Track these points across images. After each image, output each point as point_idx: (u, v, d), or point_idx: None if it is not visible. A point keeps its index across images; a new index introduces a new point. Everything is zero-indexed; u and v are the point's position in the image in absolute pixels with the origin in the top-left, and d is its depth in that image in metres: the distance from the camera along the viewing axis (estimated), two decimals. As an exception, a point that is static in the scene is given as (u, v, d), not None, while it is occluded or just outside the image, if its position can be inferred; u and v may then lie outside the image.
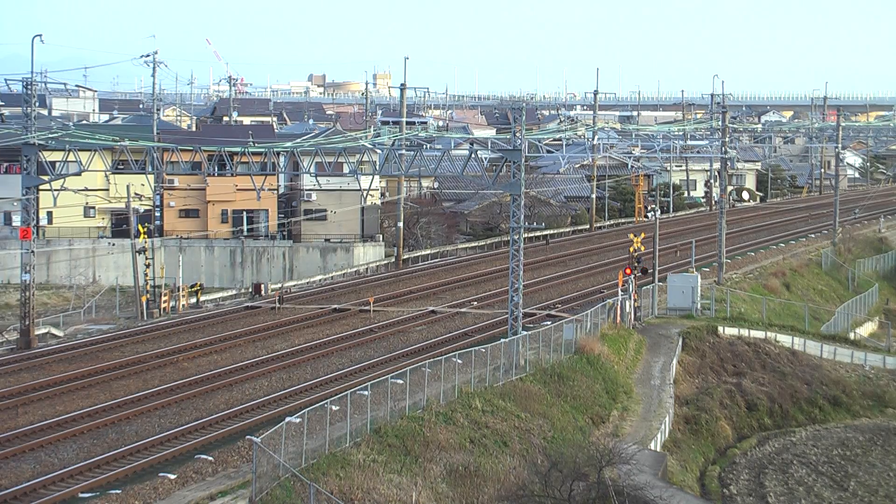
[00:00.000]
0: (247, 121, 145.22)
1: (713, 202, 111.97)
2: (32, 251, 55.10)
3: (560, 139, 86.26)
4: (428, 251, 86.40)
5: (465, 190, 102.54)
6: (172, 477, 32.49)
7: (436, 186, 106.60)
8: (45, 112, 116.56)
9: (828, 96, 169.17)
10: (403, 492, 32.79)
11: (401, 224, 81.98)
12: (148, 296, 63.83)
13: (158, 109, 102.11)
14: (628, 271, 57.40)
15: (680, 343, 56.83)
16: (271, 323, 57.29)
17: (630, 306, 57.45)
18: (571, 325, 50.84)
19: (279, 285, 70.91)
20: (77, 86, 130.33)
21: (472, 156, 56.55)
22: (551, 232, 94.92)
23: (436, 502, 33.65)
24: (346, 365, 48.10)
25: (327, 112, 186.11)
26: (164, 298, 63.98)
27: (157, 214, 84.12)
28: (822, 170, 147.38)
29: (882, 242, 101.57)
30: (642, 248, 58.52)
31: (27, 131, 54.18)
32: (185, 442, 36.04)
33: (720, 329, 59.85)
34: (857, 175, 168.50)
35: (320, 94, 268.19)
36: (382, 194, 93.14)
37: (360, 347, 51.94)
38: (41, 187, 58.62)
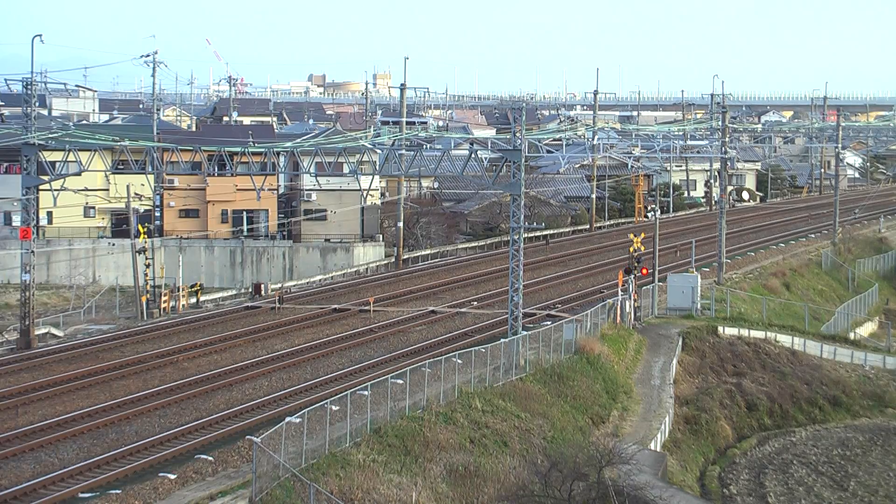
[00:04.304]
0: (247, 121, 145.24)
1: (713, 202, 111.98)
2: (32, 251, 55.10)
3: (560, 139, 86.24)
4: (428, 251, 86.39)
5: (465, 190, 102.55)
6: (172, 477, 32.47)
7: (436, 186, 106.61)
8: (45, 112, 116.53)
9: (828, 96, 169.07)
10: (403, 492, 32.79)
11: (401, 224, 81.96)
12: (148, 296, 63.83)
13: (158, 109, 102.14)
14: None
15: (680, 343, 56.83)
16: (271, 323, 57.28)
17: (630, 306, 57.47)
18: (571, 325, 50.83)
19: (279, 285, 70.90)
20: (77, 86, 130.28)
21: (472, 156, 56.56)
22: (551, 232, 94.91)
23: (436, 502, 33.65)
24: (346, 365, 48.09)
25: (327, 112, 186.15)
26: (164, 298, 63.97)
27: (157, 214, 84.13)
28: (822, 170, 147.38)
29: (882, 242, 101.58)
30: (642, 248, 58.55)
31: (27, 131, 54.17)
32: (185, 442, 36.01)
33: (720, 329, 59.87)
34: (857, 175, 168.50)
35: (320, 94, 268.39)
36: (382, 194, 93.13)
37: (360, 347, 51.93)
38: (41, 187, 58.62)
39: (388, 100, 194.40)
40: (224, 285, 77.96)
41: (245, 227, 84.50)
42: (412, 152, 56.80)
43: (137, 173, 61.50)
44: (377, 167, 57.37)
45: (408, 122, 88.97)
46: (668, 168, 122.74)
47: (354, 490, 31.96)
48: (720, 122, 76.27)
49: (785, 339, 61.26)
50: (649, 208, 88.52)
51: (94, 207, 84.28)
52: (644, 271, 57.49)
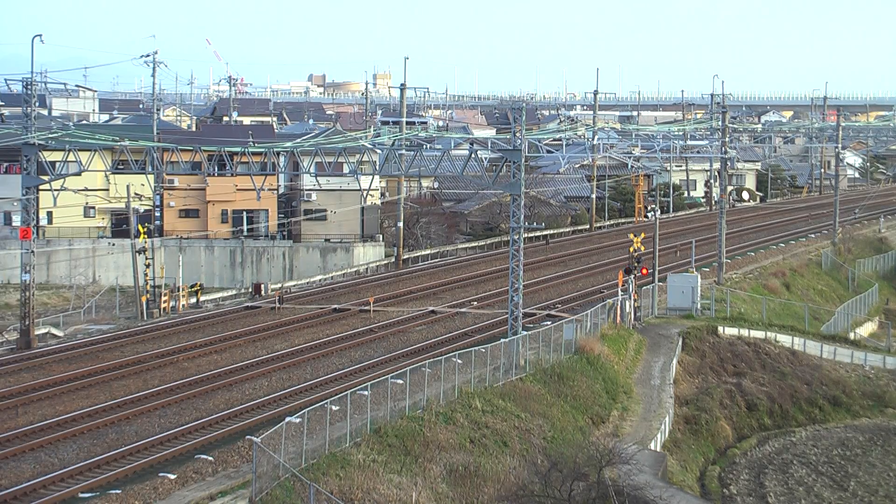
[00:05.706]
0: (247, 121, 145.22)
1: (713, 202, 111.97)
2: (32, 251, 55.09)
3: (560, 139, 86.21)
4: (428, 251, 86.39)
5: (465, 190, 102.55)
6: (172, 477, 32.48)
7: (436, 186, 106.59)
8: (45, 112, 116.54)
9: (828, 96, 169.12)
10: (403, 492, 32.79)
11: (401, 224, 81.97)
12: (148, 296, 63.82)
13: (158, 109, 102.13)
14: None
15: (680, 343, 56.82)
16: (271, 323, 57.28)
17: (630, 306, 57.46)
18: (571, 325, 50.82)
19: (279, 285, 70.90)
20: (77, 86, 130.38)
21: (472, 156, 56.55)
22: (551, 232, 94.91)
23: (436, 502, 33.65)
24: (346, 365, 48.10)
25: (327, 112, 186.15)
26: (164, 298, 63.96)
27: (157, 214, 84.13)
28: (822, 170, 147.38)
29: (882, 242, 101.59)
30: (642, 248, 58.55)
31: (27, 131, 54.17)
32: (185, 442, 36.03)
33: (720, 329, 59.86)
34: (857, 175, 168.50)
35: (320, 94, 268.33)
36: (382, 194, 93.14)
37: (360, 347, 51.93)
38: (41, 187, 58.61)
39: (388, 100, 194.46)
40: (224, 285, 77.96)
41: (245, 227, 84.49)
42: (412, 152, 56.80)
43: (137, 173, 61.50)
44: (377, 167, 57.37)
45: (408, 122, 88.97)
46: (668, 168, 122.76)
47: (354, 490, 31.97)
48: (720, 122, 76.26)
49: (785, 339, 61.26)
50: (649, 208, 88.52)
51: (94, 207, 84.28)
52: (644, 271, 57.50)
